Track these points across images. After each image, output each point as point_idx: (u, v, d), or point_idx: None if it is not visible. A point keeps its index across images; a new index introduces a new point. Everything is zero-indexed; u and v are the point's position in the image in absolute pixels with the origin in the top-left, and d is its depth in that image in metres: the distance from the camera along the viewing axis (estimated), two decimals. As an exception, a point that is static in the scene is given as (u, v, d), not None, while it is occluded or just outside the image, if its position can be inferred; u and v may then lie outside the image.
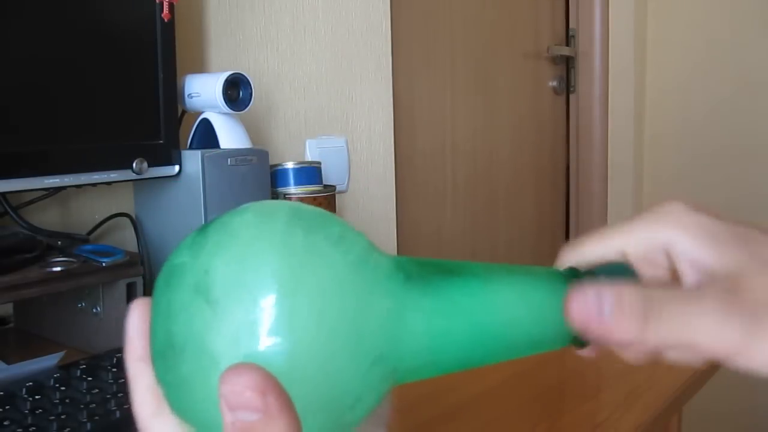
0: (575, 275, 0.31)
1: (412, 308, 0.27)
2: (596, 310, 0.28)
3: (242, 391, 0.22)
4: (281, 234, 0.25)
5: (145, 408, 0.28)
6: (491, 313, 0.29)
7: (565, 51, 2.02)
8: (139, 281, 0.70)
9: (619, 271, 0.32)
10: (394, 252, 1.37)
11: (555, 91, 2.05)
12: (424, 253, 1.55)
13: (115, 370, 0.59)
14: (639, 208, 2.00)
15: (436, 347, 0.27)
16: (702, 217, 0.31)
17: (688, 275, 0.31)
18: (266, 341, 0.23)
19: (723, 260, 0.30)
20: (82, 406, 0.52)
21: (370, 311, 0.25)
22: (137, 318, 0.28)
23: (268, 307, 0.23)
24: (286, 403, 0.23)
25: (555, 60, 2.03)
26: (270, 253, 0.24)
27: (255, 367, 0.22)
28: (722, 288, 0.29)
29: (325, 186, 0.99)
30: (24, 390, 0.54)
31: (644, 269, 0.32)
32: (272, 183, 0.92)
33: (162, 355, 0.25)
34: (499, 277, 0.30)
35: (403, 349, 0.26)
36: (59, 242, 0.76)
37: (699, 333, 0.28)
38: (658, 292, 0.29)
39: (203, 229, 0.26)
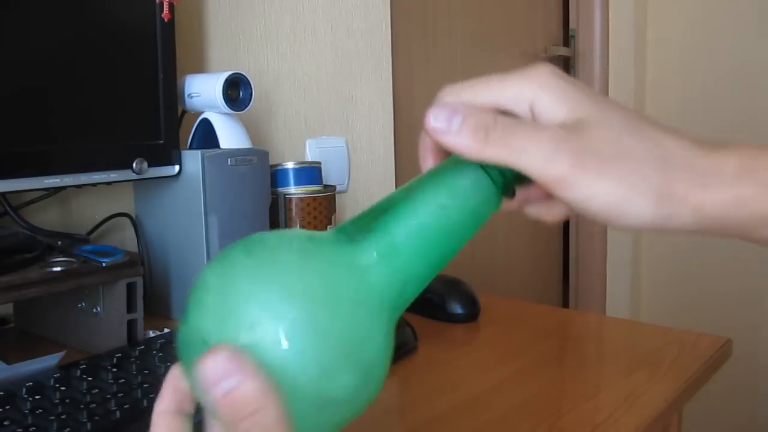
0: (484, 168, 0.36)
1: (368, 260, 0.29)
2: (446, 125, 0.33)
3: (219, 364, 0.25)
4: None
5: None
6: (429, 219, 0.32)
7: (563, 51, 2.02)
8: (139, 281, 0.70)
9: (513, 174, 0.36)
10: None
11: (554, 91, 2.05)
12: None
13: (115, 370, 0.59)
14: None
15: (408, 273, 0.31)
16: (562, 81, 0.34)
17: None
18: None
19: (573, 114, 0.33)
20: (82, 406, 0.52)
21: (336, 284, 0.28)
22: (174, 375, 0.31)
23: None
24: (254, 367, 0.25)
25: (552, 61, 2.03)
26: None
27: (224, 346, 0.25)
28: (562, 128, 0.33)
29: (325, 186, 0.99)
30: (24, 390, 0.54)
31: None
32: (272, 183, 0.92)
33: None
34: (421, 188, 0.34)
35: (384, 294, 0.29)
36: (59, 242, 0.76)
37: (531, 158, 0.32)
38: (504, 119, 0.33)
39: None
